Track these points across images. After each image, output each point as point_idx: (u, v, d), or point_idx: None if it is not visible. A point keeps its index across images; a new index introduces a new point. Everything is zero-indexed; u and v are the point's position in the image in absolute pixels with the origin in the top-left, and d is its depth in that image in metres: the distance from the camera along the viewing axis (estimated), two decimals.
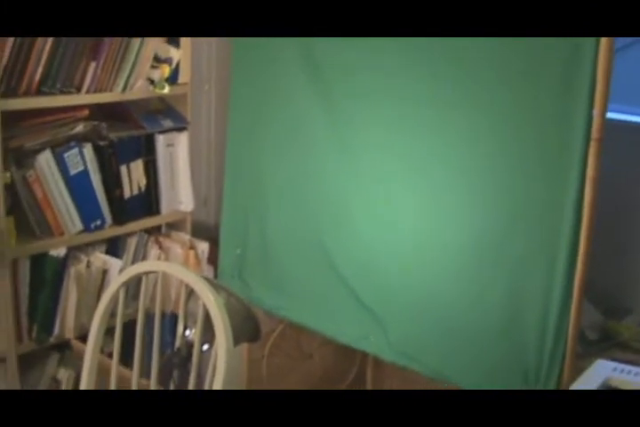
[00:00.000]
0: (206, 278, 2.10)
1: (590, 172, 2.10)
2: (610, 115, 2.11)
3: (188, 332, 2.20)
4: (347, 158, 2.63)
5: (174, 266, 2.19)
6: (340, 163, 2.65)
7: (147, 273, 2.19)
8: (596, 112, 2.08)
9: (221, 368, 1.97)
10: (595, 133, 2.09)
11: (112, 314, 2.28)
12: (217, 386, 1.97)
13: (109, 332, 2.40)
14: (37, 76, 2.70)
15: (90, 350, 2.26)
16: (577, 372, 2.18)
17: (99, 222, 3.00)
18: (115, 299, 2.22)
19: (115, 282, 2.23)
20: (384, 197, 2.57)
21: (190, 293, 2.16)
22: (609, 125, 2.11)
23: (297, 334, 3.21)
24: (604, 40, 2.01)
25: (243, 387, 3.16)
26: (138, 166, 3.06)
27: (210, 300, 2.00)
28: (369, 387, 3.34)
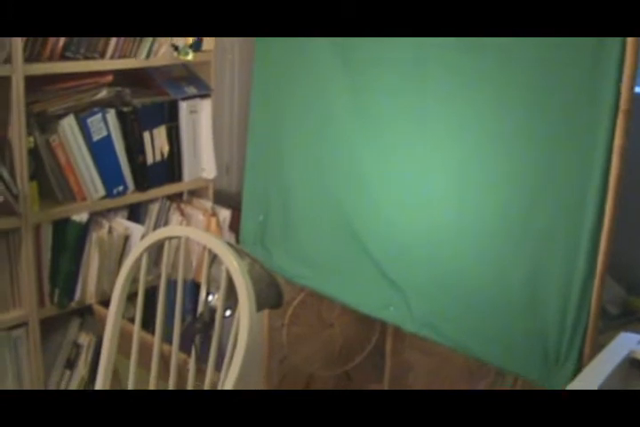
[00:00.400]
0: (230, 244, 2.10)
1: (618, 141, 2.08)
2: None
3: (210, 297, 2.21)
4: (370, 127, 2.61)
5: (198, 231, 2.19)
6: (362, 131, 2.63)
7: (170, 238, 2.20)
8: (624, 84, 2.06)
9: (244, 334, 1.97)
10: (623, 105, 2.07)
11: (133, 280, 2.29)
12: (239, 352, 1.98)
13: (130, 298, 2.41)
14: (61, 41, 2.69)
15: (112, 314, 2.27)
16: (597, 347, 2.17)
17: (121, 188, 3.00)
18: (137, 264, 2.23)
19: (138, 246, 2.24)
20: (407, 168, 2.56)
21: (213, 258, 2.16)
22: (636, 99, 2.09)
23: (317, 303, 3.22)
24: None
25: (264, 354, 3.18)
26: (161, 133, 3.06)
27: (233, 265, 2.00)
28: (388, 357, 3.35)
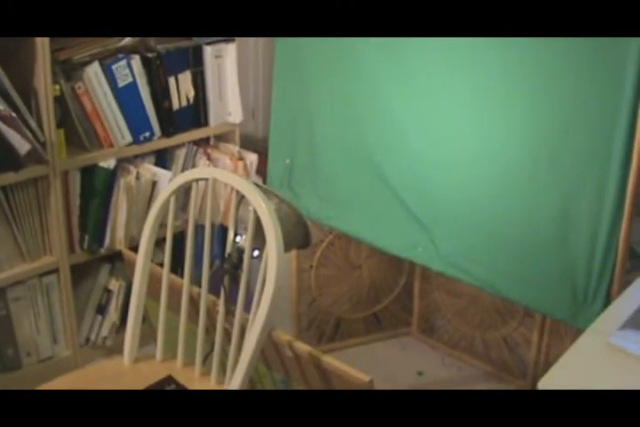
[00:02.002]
0: (257, 184, 2.10)
1: None
2: None
3: (238, 238, 2.21)
4: (397, 68, 2.59)
5: (224, 172, 2.19)
6: (390, 73, 2.62)
7: (197, 180, 2.20)
8: None
9: (272, 274, 1.98)
10: None
11: (161, 225, 2.30)
12: (267, 292, 1.99)
13: (158, 244, 2.42)
14: None
15: (141, 258, 2.28)
16: (626, 286, 2.17)
17: (147, 134, 3.01)
18: (165, 207, 2.24)
19: (166, 189, 2.24)
20: (435, 108, 2.55)
21: (241, 199, 2.17)
22: None
23: (345, 245, 3.23)
24: None
25: (293, 297, 3.20)
26: (186, 78, 3.05)
27: (261, 205, 2.00)
28: (416, 298, 3.37)
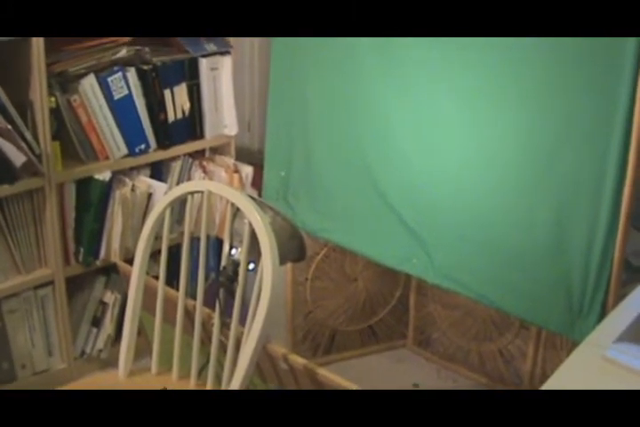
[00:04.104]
0: (252, 197, 2.10)
1: None
2: None
3: (233, 251, 2.21)
4: (392, 79, 2.59)
5: (220, 185, 2.19)
6: (385, 84, 2.62)
7: (192, 193, 2.20)
8: None
9: (267, 287, 1.97)
10: None
11: (156, 237, 2.30)
12: (262, 305, 1.99)
13: (153, 256, 2.42)
14: None
15: (136, 270, 2.28)
16: (621, 299, 2.16)
17: (143, 147, 3.01)
18: (160, 219, 2.23)
19: (161, 202, 2.24)
20: (430, 118, 2.54)
21: (236, 212, 2.17)
22: None
23: (341, 258, 3.24)
24: None
25: (288, 309, 3.20)
26: (182, 90, 3.06)
27: (256, 218, 2.00)
28: (411, 311, 3.37)
